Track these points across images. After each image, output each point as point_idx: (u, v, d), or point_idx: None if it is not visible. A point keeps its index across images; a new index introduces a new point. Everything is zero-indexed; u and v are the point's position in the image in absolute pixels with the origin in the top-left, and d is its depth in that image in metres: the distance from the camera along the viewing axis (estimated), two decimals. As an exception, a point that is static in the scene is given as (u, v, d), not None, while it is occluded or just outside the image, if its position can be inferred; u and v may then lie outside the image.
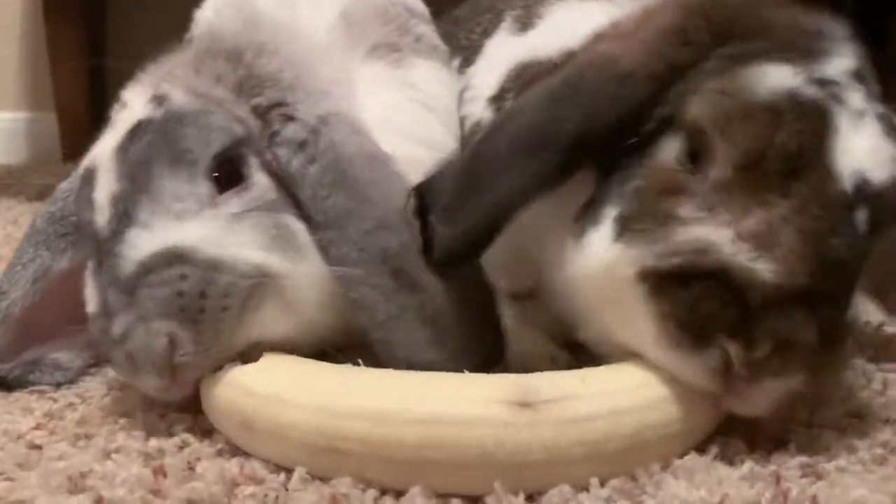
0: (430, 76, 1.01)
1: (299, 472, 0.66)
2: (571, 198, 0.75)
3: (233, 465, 0.68)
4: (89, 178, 0.77)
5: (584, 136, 0.71)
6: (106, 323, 0.72)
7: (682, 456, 0.69)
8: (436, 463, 0.64)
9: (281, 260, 0.75)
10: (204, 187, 0.75)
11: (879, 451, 0.72)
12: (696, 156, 0.70)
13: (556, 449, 0.64)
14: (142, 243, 0.71)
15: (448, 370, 0.72)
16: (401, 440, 0.64)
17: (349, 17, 0.98)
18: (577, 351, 0.83)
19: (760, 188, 0.66)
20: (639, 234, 0.69)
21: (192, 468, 0.69)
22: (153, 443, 0.72)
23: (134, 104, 0.80)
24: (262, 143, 0.80)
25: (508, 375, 0.70)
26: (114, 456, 0.70)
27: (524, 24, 1.01)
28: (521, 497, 0.64)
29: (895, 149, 0.68)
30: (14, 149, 2.40)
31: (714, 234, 0.66)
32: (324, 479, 0.66)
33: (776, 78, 0.69)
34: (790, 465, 0.69)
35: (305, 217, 0.79)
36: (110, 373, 0.86)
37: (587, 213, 0.74)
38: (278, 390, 0.70)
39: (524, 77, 0.91)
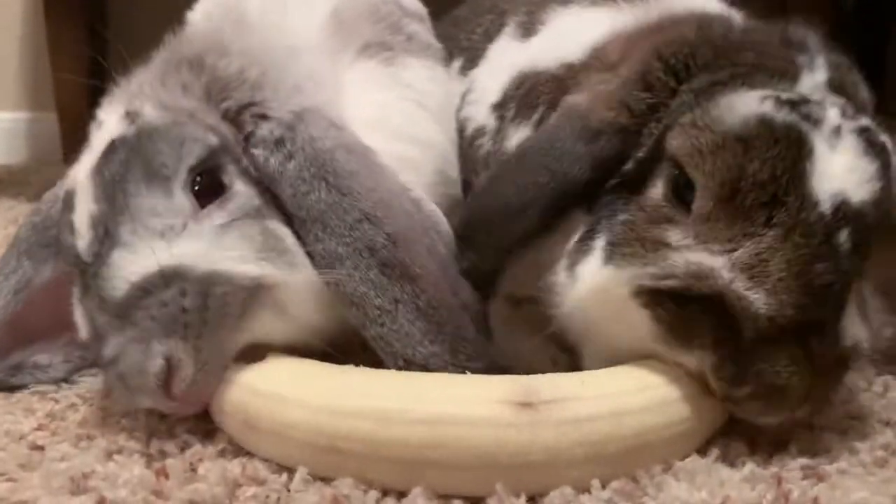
0: (422, 74, 1.00)
1: (301, 473, 0.66)
2: (566, 234, 0.78)
3: (235, 466, 0.68)
4: (69, 202, 0.76)
5: (561, 195, 0.75)
6: (97, 346, 0.71)
7: (683, 458, 0.69)
8: (437, 463, 0.64)
9: (273, 267, 0.74)
10: (184, 201, 0.74)
11: (880, 453, 0.72)
12: (679, 189, 0.71)
13: (557, 450, 0.64)
14: (128, 265, 0.70)
15: (447, 362, 0.72)
16: (403, 440, 0.65)
17: (340, 16, 0.97)
18: (577, 354, 0.82)
19: (742, 218, 0.67)
20: (629, 257, 0.71)
21: (194, 469, 0.69)
22: (155, 444, 0.72)
23: (108, 123, 0.78)
24: (238, 149, 0.78)
25: (509, 376, 0.70)
26: (116, 457, 0.70)
27: (527, 30, 1.01)
28: (523, 498, 0.64)
29: (874, 165, 0.68)
30: (14, 149, 2.39)
31: (709, 260, 0.67)
32: (325, 480, 0.66)
33: (744, 106, 0.69)
34: (791, 466, 0.69)
35: (289, 216, 0.77)
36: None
37: (579, 248, 0.76)
38: (281, 390, 0.70)
39: (524, 87, 0.93)
